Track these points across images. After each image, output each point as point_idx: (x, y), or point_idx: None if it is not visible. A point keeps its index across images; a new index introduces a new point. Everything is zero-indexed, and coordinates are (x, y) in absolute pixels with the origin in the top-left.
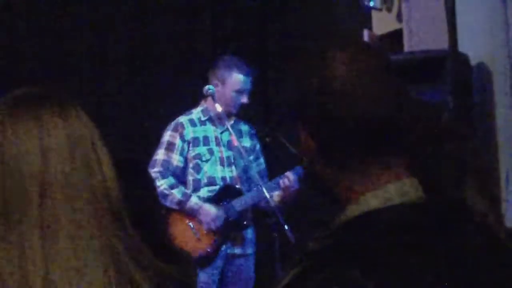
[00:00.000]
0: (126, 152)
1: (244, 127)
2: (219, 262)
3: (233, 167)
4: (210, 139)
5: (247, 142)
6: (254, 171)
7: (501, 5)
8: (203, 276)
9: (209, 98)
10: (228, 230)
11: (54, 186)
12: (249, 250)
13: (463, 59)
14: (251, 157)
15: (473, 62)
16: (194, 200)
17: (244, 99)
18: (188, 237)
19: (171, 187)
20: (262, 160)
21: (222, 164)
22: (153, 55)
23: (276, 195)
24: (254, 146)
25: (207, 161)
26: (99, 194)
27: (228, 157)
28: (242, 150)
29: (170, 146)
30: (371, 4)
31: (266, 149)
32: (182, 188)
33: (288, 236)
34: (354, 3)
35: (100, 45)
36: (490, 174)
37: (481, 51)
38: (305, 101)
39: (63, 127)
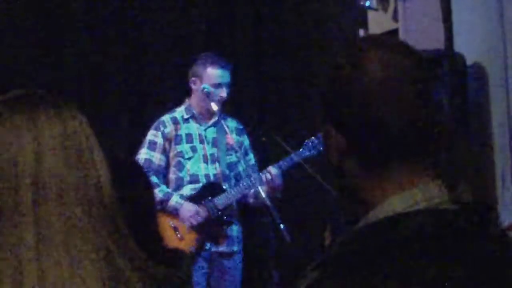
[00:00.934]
0: (121, 153)
1: (231, 123)
2: (203, 263)
3: (217, 164)
4: (193, 136)
5: (231, 139)
6: (241, 168)
7: (497, 5)
8: None
9: (192, 97)
10: (210, 228)
11: (48, 188)
12: (235, 248)
13: (459, 59)
14: (238, 154)
15: (469, 62)
16: (175, 199)
17: (223, 93)
18: (171, 237)
19: (153, 186)
20: (251, 156)
21: (205, 162)
22: (149, 55)
23: (261, 190)
24: (242, 142)
25: (189, 158)
26: (93, 195)
27: (212, 154)
28: (235, 147)
29: (151, 145)
30: (367, 4)
31: (262, 148)
32: (164, 187)
33: (284, 235)
34: (350, 3)
35: (96, 46)
36: (485, 174)
37: (477, 51)
38: (339, 98)
39: (58, 127)
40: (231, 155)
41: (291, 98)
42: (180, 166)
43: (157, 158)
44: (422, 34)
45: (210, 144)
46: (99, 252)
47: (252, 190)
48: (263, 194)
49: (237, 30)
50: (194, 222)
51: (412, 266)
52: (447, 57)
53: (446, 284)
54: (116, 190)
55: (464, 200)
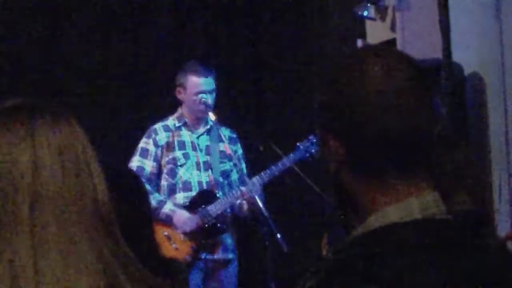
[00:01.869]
0: (118, 162)
1: (225, 132)
2: (198, 273)
3: (210, 172)
4: (186, 144)
5: (225, 147)
6: (235, 176)
7: (495, 16)
8: None
9: (183, 106)
10: (205, 236)
11: (44, 198)
12: (230, 255)
13: (457, 69)
14: (232, 162)
15: (467, 71)
16: (168, 207)
17: (208, 101)
18: (166, 246)
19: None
20: (243, 165)
21: (198, 169)
22: (148, 63)
23: (258, 199)
24: (235, 152)
25: (182, 165)
26: (90, 206)
27: (205, 162)
28: (231, 155)
29: (143, 153)
30: (365, 14)
31: (260, 158)
32: (157, 195)
33: (281, 244)
34: (348, 13)
35: (96, 51)
36: (483, 183)
37: (475, 61)
38: (338, 108)
39: (55, 139)
40: (225, 162)
41: (289, 107)
42: (172, 173)
43: (149, 165)
44: (420, 44)
45: (203, 152)
46: (96, 263)
47: (239, 201)
48: (260, 204)
49: (236, 41)
50: (188, 229)
51: (407, 276)
52: (445, 66)
53: None
54: (112, 200)
55: (461, 210)
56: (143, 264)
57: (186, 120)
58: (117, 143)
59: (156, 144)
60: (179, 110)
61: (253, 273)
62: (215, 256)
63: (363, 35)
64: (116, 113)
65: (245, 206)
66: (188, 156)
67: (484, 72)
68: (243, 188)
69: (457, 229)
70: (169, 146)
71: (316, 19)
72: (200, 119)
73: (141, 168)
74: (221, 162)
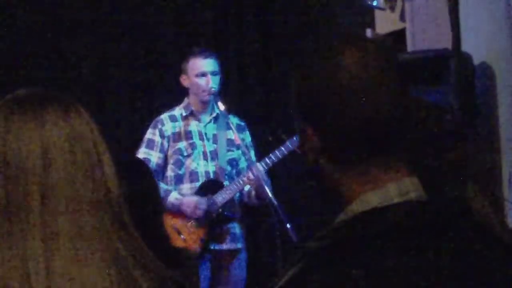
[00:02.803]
0: (127, 152)
1: (233, 120)
2: (206, 263)
3: (217, 161)
4: (193, 133)
5: (233, 135)
6: (243, 164)
7: (505, 5)
8: None
9: (189, 95)
10: (213, 226)
11: (55, 188)
12: (239, 245)
13: (466, 59)
14: (240, 150)
15: (476, 61)
16: (174, 195)
17: (209, 82)
18: (174, 238)
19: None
20: (252, 153)
21: (205, 159)
22: (153, 52)
23: (268, 189)
24: (243, 139)
25: (189, 155)
26: (101, 195)
27: (211, 151)
28: (239, 143)
29: (150, 144)
30: (374, 3)
31: (269, 148)
32: (162, 185)
33: (290, 234)
34: (357, 2)
35: (100, 45)
36: (493, 175)
37: (485, 51)
38: (311, 96)
39: (65, 128)
40: (232, 151)
41: None
42: (179, 164)
43: (155, 156)
44: (429, 33)
45: (210, 141)
46: (107, 253)
47: (247, 189)
48: (270, 194)
49: (244, 31)
50: (198, 214)
51: (389, 259)
52: (455, 56)
53: (423, 275)
54: (123, 190)
55: (441, 195)
56: (154, 254)
57: (193, 109)
58: (124, 135)
59: (162, 135)
60: (186, 100)
61: (263, 262)
62: (224, 246)
63: (372, 25)
64: (124, 105)
65: (253, 193)
66: (195, 146)
67: (494, 62)
68: (247, 174)
69: (435, 213)
70: (175, 137)
71: (325, 8)
72: (206, 105)
73: (147, 160)
74: (228, 151)
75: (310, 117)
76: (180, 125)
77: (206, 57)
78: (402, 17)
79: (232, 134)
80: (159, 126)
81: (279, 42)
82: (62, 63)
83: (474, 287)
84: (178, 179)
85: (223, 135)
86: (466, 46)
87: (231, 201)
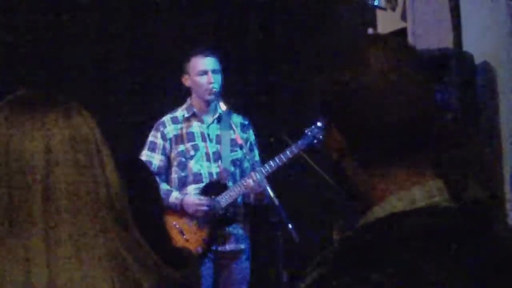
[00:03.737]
0: (129, 153)
1: (236, 119)
2: (209, 264)
3: (220, 162)
4: (195, 135)
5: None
6: (247, 164)
7: (506, 4)
8: None
9: (192, 96)
10: (216, 227)
11: (57, 188)
12: (242, 246)
13: (467, 58)
14: (244, 150)
15: (477, 61)
16: (174, 195)
17: (210, 79)
18: (176, 238)
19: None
20: (256, 152)
21: (208, 160)
22: (155, 53)
23: (269, 189)
24: (247, 139)
25: (191, 157)
26: (102, 196)
27: (214, 152)
28: (242, 143)
29: (152, 146)
30: (376, 3)
31: (271, 149)
32: (164, 185)
33: (292, 234)
34: (358, 2)
35: (101, 44)
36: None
37: (485, 50)
38: (337, 95)
39: (67, 129)
40: (236, 151)
41: (301, 98)
42: (182, 166)
43: (157, 159)
44: (431, 33)
45: (213, 142)
46: (108, 253)
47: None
48: (272, 193)
49: (246, 31)
50: (200, 212)
51: (412, 264)
52: (456, 56)
53: (447, 281)
54: (125, 191)
55: (466, 198)
56: (155, 254)
57: (195, 110)
58: (124, 135)
59: (164, 137)
60: (188, 101)
61: (265, 262)
62: (227, 247)
63: (373, 25)
64: (125, 106)
65: (252, 195)
66: (198, 148)
67: (495, 62)
68: (247, 180)
69: (461, 217)
70: (177, 139)
71: (327, 8)
72: (209, 105)
73: (149, 162)
74: (232, 151)
75: (336, 116)
76: (182, 127)
77: (206, 55)
78: (403, 17)
79: (238, 136)
80: (161, 129)
81: (280, 41)
82: (62, 65)
83: None
84: (182, 182)
85: (226, 135)
86: (467, 45)
87: (234, 202)
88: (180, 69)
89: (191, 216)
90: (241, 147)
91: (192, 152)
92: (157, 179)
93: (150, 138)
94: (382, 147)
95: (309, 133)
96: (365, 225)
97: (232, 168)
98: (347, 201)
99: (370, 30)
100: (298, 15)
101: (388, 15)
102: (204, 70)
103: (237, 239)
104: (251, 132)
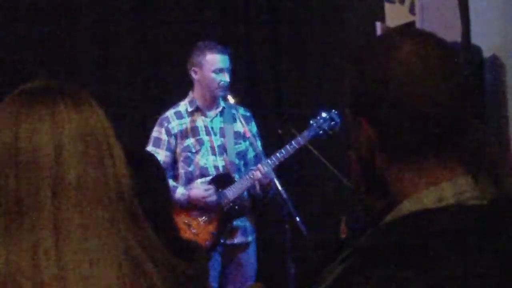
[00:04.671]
0: (136, 145)
1: (239, 111)
2: (216, 257)
3: (225, 155)
4: (199, 129)
5: (240, 127)
6: (251, 155)
7: None
8: None
9: (195, 89)
10: (224, 220)
11: (67, 181)
12: (249, 238)
13: (476, 52)
14: (247, 141)
15: (486, 54)
16: (179, 191)
17: (226, 78)
18: (185, 233)
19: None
20: (258, 143)
21: (213, 154)
22: (159, 49)
23: (277, 182)
24: (249, 131)
25: (197, 152)
26: (112, 189)
27: (219, 146)
28: (246, 135)
29: (156, 142)
30: None
31: (279, 141)
32: (169, 181)
33: (299, 227)
34: None
35: (103, 40)
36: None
37: (494, 43)
38: (368, 87)
39: (77, 121)
40: (240, 143)
41: (308, 90)
42: (188, 161)
43: (162, 154)
44: (439, 27)
45: (218, 135)
46: (118, 247)
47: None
48: (279, 187)
49: (254, 22)
50: (210, 202)
51: (442, 261)
52: (464, 49)
53: (476, 279)
54: (134, 184)
55: (493, 195)
56: (165, 246)
57: (198, 104)
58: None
59: (168, 133)
60: (190, 94)
61: (272, 255)
62: (235, 241)
63: (382, 18)
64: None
65: (258, 186)
66: (202, 142)
67: (503, 55)
68: (255, 172)
69: (491, 215)
70: (182, 134)
71: (335, 1)
72: (214, 100)
73: None
74: (236, 143)
75: (367, 109)
76: (186, 122)
77: (224, 53)
78: (411, 10)
79: (238, 127)
80: (165, 124)
81: (288, 35)
82: (64, 60)
83: None
84: (189, 177)
85: (230, 128)
86: (476, 38)
87: (241, 195)
88: (187, 60)
89: (199, 211)
90: (244, 139)
91: (197, 147)
92: None
93: (154, 134)
94: (414, 141)
95: (315, 124)
96: (395, 220)
97: (237, 161)
98: (354, 195)
99: (378, 23)
100: (306, 9)
101: (396, 9)
102: (220, 68)
103: (244, 232)
104: (253, 123)
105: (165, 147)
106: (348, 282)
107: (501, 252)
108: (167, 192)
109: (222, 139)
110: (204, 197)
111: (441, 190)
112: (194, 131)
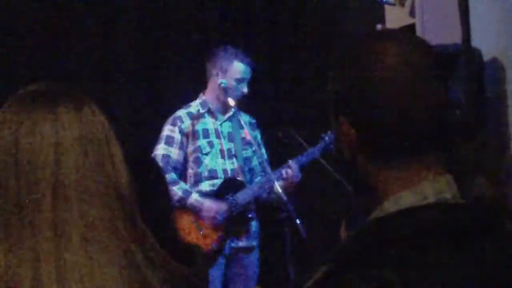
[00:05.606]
0: (137, 149)
1: (245, 118)
2: (221, 259)
3: (234, 159)
4: (210, 131)
5: (246, 134)
6: (255, 162)
7: None
8: None
9: (208, 91)
10: (232, 225)
11: (66, 184)
12: (254, 242)
13: (476, 54)
14: (253, 148)
15: (486, 57)
16: (194, 197)
17: (244, 89)
18: (194, 234)
19: (172, 183)
20: (263, 150)
21: (222, 157)
22: (161, 50)
23: (278, 185)
24: (255, 137)
25: (207, 154)
26: (112, 192)
27: (228, 149)
28: (251, 141)
29: (169, 140)
30: None
31: (278, 144)
32: (182, 184)
33: (300, 230)
34: None
35: (105, 41)
36: (502, 170)
37: (494, 46)
38: (349, 89)
39: (77, 123)
40: (246, 149)
41: (308, 94)
42: (198, 162)
43: (175, 153)
44: (439, 29)
45: (226, 139)
46: (118, 248)
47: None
48: (279, 189)
49: (253, 26)
50: (217, 221)
51: (423, 260)
52: (464, 52)
53: (456, 277)
54: (134, 186)
55: (475, 195)
56: (164, 249)
57: (210, 106)
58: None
59: (182, 132)
60: (202, 96)
61: (273, 259)
62: (240, 244)
63: (382, 20)
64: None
65: (283, 185)
66: (213, 144)
67: (503, 58)
68: (286, 170)
69: (471, 213)
70: (193, 134)
71: (335, 4)
72: (226, 106)
73: (167, 156)
74: (243, 149)
75: (348, 110)
76: (197, 123)
77: (248, 64)
78: (412, 13)
79: (244, 133)
80: (179, 123)
81: (289, 37)
82: (66, 60)
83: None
84: (197, 178)
85: (237, 133)
86: (476, 41)
87: (251, 200)
88: (210, 61)
89: (206, 221)
90: (250, 145)
91: (208, 149)
92: (174, 174)
93: (167, 132)
94: (394, 142)
95: (327, 137)
96: (375, 220)
97: (243, 166)
98: (354, 197)
99: (379, 26)
100: (307, 11)
101: (397, 11)
102: (243, 78)
103: (250, 236)
104: (258, 130)
105: (178, 146)
106: (329, 283)
107: (480, 250)
108: (167, 195)
109: (230, 143)
110: (216, 213)
111: (422, 190)
112: (204, 132)
